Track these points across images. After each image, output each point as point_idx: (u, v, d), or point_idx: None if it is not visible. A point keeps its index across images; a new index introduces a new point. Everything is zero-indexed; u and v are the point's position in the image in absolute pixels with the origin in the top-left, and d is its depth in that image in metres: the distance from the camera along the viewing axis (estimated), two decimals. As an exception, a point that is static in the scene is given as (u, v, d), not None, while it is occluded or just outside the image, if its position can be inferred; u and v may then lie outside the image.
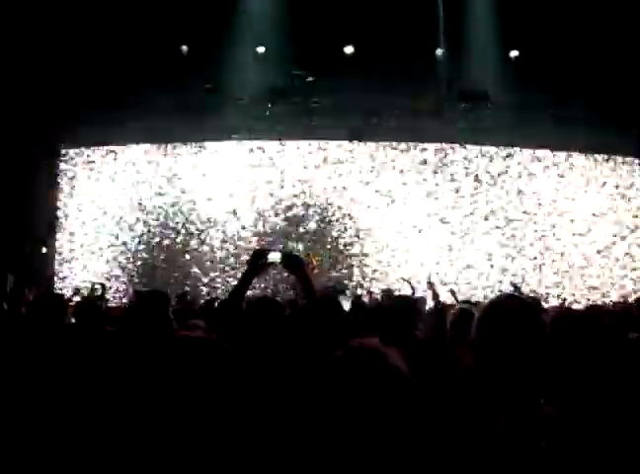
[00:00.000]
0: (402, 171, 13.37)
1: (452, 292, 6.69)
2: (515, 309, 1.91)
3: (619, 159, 13.91)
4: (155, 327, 3.23)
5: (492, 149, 13.55)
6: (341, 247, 13.18)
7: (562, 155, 13.72)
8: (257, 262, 3.09)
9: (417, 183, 13.35)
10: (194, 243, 13.42)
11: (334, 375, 1.38)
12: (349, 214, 13.23)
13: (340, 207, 13.26)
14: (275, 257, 3.03)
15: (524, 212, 13.41)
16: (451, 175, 13.42)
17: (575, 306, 11.20)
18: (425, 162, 13.42)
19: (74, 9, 11.82)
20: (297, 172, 13.37)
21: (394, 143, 13.38)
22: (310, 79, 12.29)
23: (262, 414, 2.48)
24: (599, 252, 13.44)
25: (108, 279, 13.12)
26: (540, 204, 13.46)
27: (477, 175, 13.44)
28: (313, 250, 12.84)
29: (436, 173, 13.40)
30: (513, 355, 1.82)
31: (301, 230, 13.19)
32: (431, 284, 6.47)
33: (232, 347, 2.90)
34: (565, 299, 11.85)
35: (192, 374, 2.53)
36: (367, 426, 1.32)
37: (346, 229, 13.21)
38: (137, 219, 13.61)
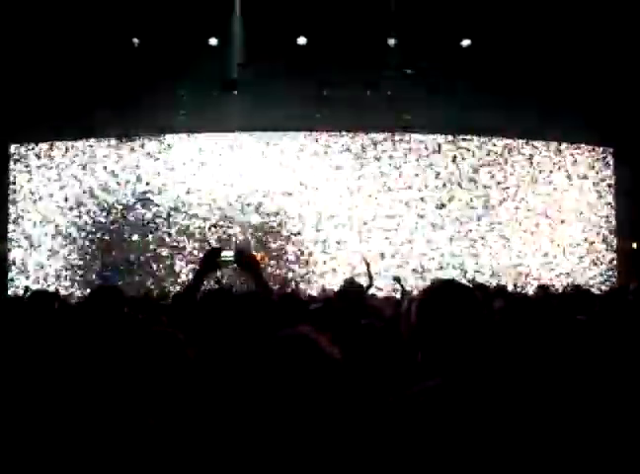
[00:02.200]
0: (354, 161, 13.40)
1: (397, 280, 6.86)
2: (449, 294, 1.97)
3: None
4: (108, 323, 3.24)
5: (442, 137, 13.65)
6: (289, 240, 13.18)
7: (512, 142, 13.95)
8: (210, 260, 3.15)
9: (367, 172, 13.39)
10: (151, 238, 13.31)
11: (264, 361, 1.45)
12: (299, 206, 13.21)
13: (290, 200, 13.23)
14: (228, 255, 3.08)
15: (473, 200, 13.57)
16: (402, 164, 13.49)
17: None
18: (376, 151, 13.47)
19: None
20: (250, 164, 13.31)
21: (345, 133, 13.40)
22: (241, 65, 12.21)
23: (217, 405, 2.52)
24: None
25: (59, 277, 13.06)
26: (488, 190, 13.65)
27: (428, 163, 13.54)
28: (262, 244, 12.82)
29: (384, 162, 13.45)
30: (446, 336, 1.89)
31: (252, 222, 13.17)
32: (397, 280, 6.62)
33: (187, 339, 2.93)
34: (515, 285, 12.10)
35: (155, 367, 2.54)
36: (299, 407, 1.40)
37: (296, 222, 13.21)
38: (92, 214, 13.45)
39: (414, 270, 12.94)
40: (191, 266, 12.88)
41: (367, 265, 6.60)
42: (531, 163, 13.91)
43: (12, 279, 13.50)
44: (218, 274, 8.82)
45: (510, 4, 11.85)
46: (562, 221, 13.86)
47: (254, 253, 10.11)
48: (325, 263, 13.11)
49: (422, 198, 13.37)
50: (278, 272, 12.70)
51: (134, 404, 2.42)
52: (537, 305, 5.03)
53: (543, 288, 6.90)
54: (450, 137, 13.67)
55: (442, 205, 13.33)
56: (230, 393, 2.37)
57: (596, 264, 14.02)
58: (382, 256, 12.80)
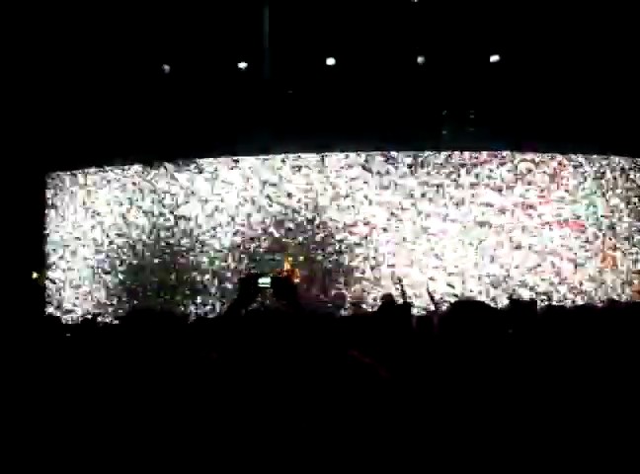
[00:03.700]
0: (389, 180, 13.34)
1: (430, 295, 6.75)
2: (466, 311, 2.29)
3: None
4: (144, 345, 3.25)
5: (467, 154, 13.52)
6: (329, 260, 13.12)
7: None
8: (248, 288, 3.06)
9: (405, 191, 13.32)
10: (184, 261, 13.38)
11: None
12: (338, 226, 13.18)
13: (330, 219, 13.21)
14: (264, 282, 3.00)
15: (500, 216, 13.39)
16: (437, 182, 13.36)
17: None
18: (411, 169, 13.38)
19: (55, 28, 11.86)
20: (285, 185, 13.35)
21: (378, 152, 13.35)
22: (290, 92, 12.37)
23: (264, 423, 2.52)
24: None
25: (99, 304, 13.28)
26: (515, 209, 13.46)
27: (461, 181, 13.40)
28: (300, 262, 12.75)
29: (420, 180, 13.35)
30: (465, 349, 2.17)
31: (290, 242, 13.14)
32: (430, 294, 6.52)
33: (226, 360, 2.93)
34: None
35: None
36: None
37: (334, 242, 13.16)
38: (127, 241, 13.61)
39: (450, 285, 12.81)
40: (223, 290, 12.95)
41: (401, 284, 6.50)
42: (556, 176, 13.68)
43: (50, 303, 13.78)
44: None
45: (534, 19, 11.85)
46: (594, 234, 13.58)
47: (286, 270, 10.05)
48: (369, 280, 13.03)
49: (447, 215, 13.24)
50: (314, 291, 12.65)
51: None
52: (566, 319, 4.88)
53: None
54: (476, 153, 13.51)
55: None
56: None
57: (625, 279, 13.70)
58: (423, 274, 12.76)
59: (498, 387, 2.06)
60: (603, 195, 13.71)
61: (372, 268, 13.01)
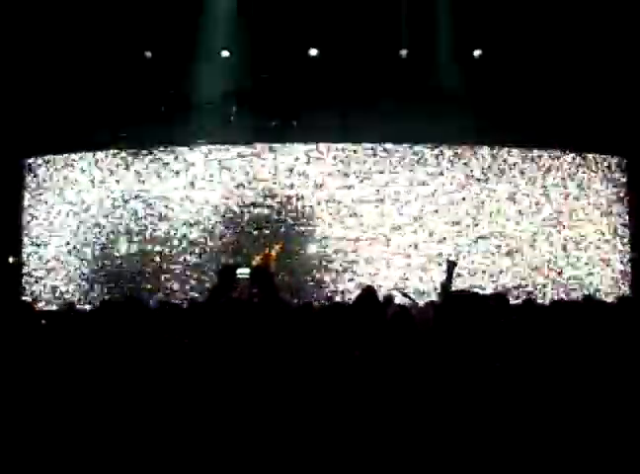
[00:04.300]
0: (372, 173, 13.33)
1: (405, 294, 6.39)
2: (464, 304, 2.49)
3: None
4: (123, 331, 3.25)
5: (454, 148, 13.53)
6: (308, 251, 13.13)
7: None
8: (227, 278, 3.08)
9: (385, 184, 13.32)
10: (160, 249, 13.29)
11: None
12: (321, 218, 13.16)
13: (318, 208, 13.20)
14: (244, 272, 3.04)
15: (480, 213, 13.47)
16: (423, 175, 13.38)
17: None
18: (393, 162, 13.39)
19: (37, 14, 11.71)
20: (266, 175, 13.29)
21: (362, 144, 13.33)
22: (264, 76, 12.32)
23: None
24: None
25: (75, 290, 13.16)
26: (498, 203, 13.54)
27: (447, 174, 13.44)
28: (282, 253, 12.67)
29: (409, 172, 13.36)
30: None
31: (269, 232, 13.09)
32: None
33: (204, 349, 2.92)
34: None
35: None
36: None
37: (315, 232, 13.16)
38: (103, 227, 13.48)
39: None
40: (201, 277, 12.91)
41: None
42: (544, 173, 13.77)
43: (24, 288, 13.62)
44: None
45: (520, 14, 11.89)
46: (578, 232, 13.72)
47: (261, 257, 9.94)
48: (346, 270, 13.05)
49: (436, 210, 13.28)
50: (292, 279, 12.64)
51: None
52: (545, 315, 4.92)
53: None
54: (461, 148, 13.53)
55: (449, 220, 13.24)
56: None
57: (609, 275, 13.87)
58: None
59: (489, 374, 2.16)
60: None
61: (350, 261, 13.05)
